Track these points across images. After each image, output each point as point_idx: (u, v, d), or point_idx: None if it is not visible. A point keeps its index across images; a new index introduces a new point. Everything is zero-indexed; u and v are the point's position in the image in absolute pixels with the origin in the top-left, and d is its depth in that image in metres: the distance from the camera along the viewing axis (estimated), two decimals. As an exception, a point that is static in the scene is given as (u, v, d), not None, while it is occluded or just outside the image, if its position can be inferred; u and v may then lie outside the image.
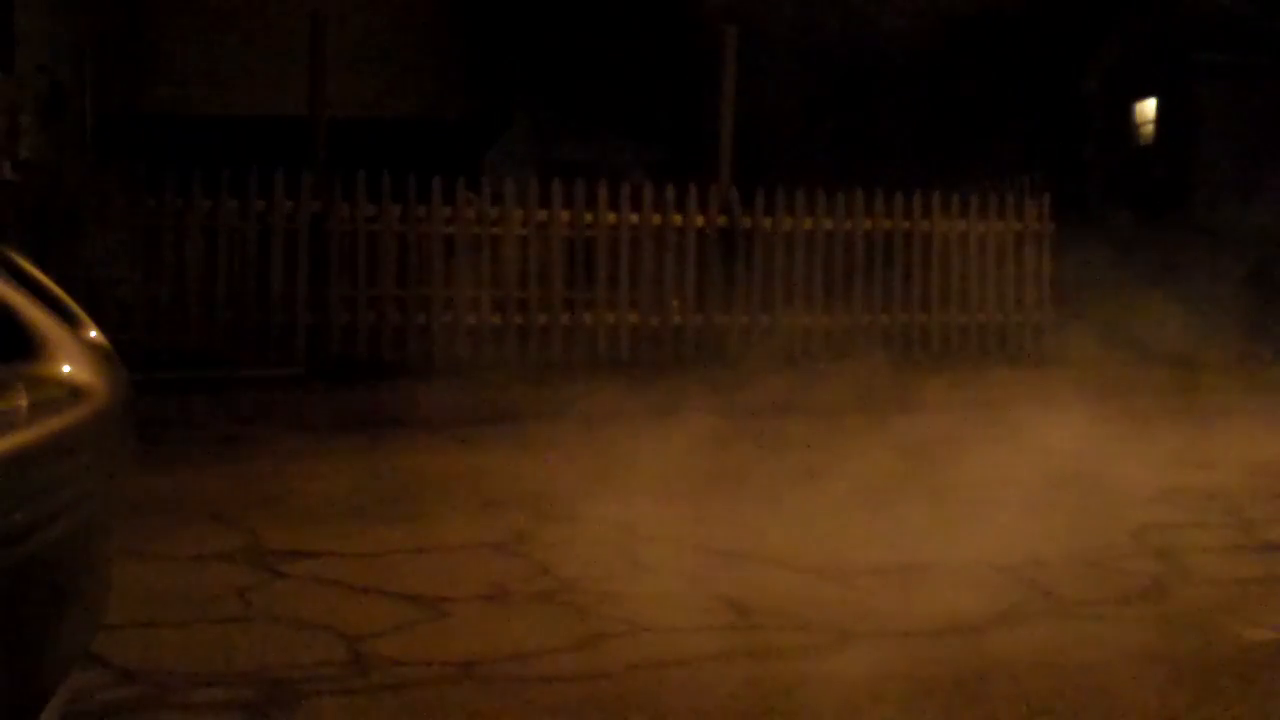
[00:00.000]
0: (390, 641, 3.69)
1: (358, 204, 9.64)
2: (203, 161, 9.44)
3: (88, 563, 2.35)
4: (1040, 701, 3.29)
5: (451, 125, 15.79)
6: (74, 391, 2.32)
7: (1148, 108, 16.14)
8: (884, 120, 17.53)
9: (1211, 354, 10.72)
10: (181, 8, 16.17)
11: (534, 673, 3.46)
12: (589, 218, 10.17)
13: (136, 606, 3.88)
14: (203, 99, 15.72)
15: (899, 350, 10.84)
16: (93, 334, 2.66)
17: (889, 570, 4.59)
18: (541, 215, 10.06)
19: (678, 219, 10.37)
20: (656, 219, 10.32)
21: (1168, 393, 9.65)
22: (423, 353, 9.63)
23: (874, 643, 3.76)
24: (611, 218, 10.21)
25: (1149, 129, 16.13)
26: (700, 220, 10.45)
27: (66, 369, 2.36)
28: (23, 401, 2.06)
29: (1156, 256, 14.85)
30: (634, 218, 10.28)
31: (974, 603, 4.16)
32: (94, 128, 13.80)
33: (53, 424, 2.14)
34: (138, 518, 4.65)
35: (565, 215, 10.11)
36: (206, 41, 15.95)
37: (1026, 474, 6.45)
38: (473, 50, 16.73)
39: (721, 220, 10.52)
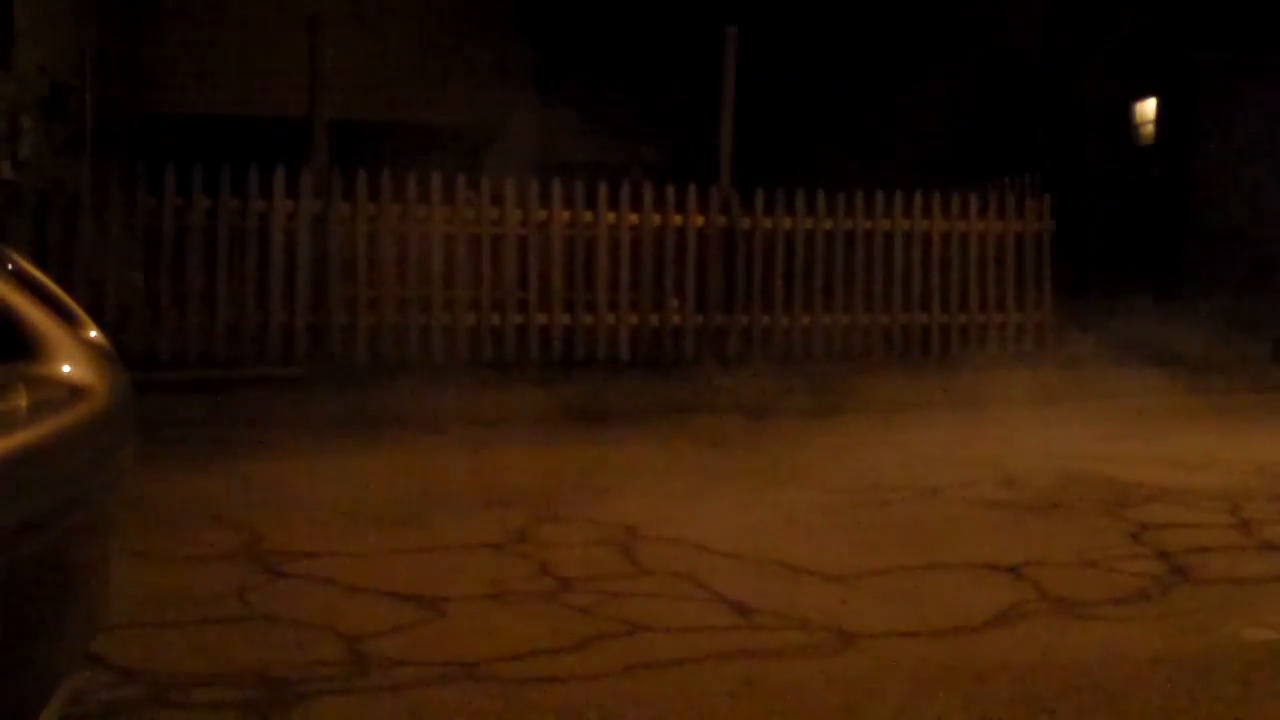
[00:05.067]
0: (390, 641, 3.69)
1: (358, 204, 9.64)
2: (203, 161, 9.44)
3: (88, 563, 2.35)
4: (1040, 702, 3.29)
5: (452, 126, 15.78)
6: (74, 391, 2.32)
7: (1148, 108, 16.13)
8: (884, 120, 17.52)
9: (1211, 354, 10.72)
10: (182, 8, 16.17)
11: (534, 673, 3.46)
12: (589, 218, 10.17)
13: (136, 606, 3.87)
14: (203, 99, 15.72)
15: (899, 350, 10.85)
16: (93, 334, 2.66)
17: (889, 570, 4.59)
18: (541, 215, 10.06)
19: (678, 219, 10.37)
20: (656, 219, 10.32)
21: (1167, 393, 9.65)
22: (423, 352, 9.63)
23: (874, 643, 3.76)
24: (611, 218, 10.22)
25: (1149, 129, 16.12)
26: (700, 220, 10.46)
27: (66, 369, 2.36)
28: (23, 401, 2.06)
29: (1156, 256, 14.85)
30: (634, 218, 10.28)
31: (974, 603, 4.16)
32: (94, 128, 13.79)
33: (53, 424, 2.14)
34: (138, 518, 4.66)
35: (565, 215, 10.11)
36: (206, 42, 15.95)
37: (1025, 474, 6.45)
38: (473, 51, 16.73)
39: (721, 220, 10.52)
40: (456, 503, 5.69)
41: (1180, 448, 7.36)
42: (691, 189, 10.43)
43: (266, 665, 3.46)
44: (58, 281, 2.75)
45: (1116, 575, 4.55)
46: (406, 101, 15.83)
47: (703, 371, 9.94)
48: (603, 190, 10.21)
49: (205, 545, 4.79)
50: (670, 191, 10.36)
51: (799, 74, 17.24)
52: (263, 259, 9.46)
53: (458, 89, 16.33)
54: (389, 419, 7.98)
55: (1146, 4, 15.49)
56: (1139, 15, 15.58)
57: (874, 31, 17.38)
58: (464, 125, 16.13)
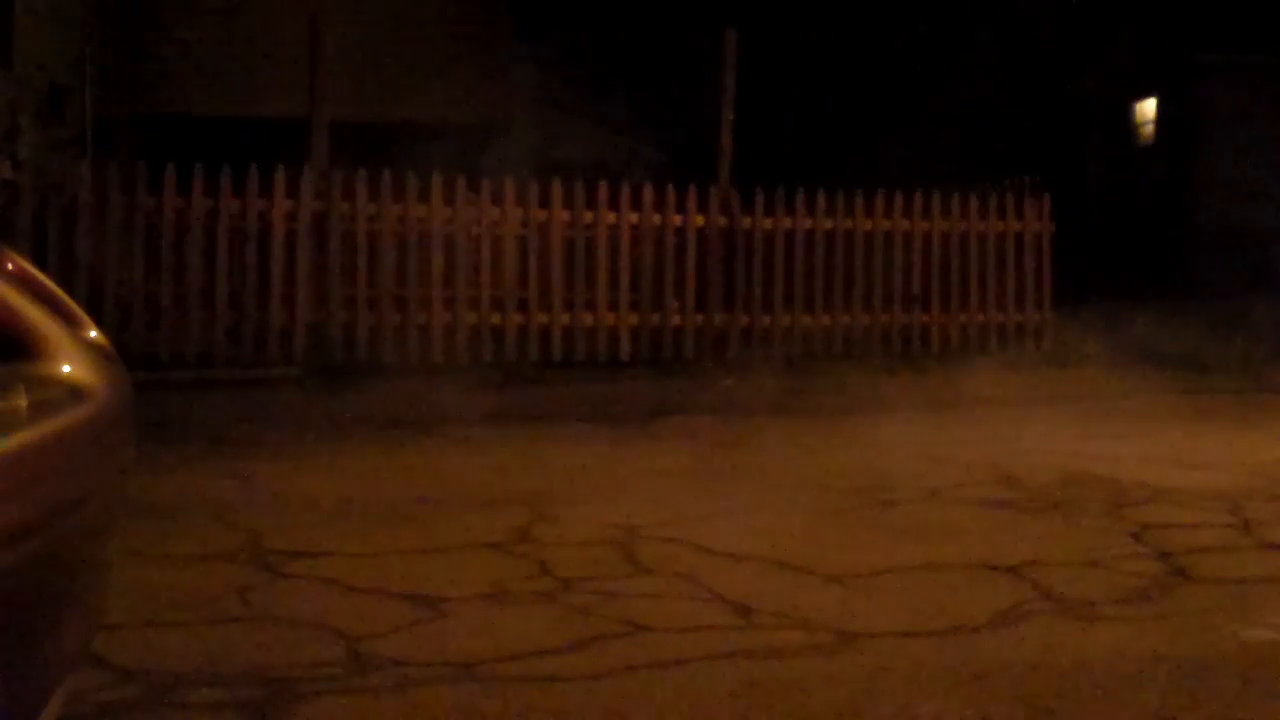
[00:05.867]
0: (390, 641, 3.69)
1: (358, 204, 9.64)
2: (203, 161, 9.44)
3: (88, 563, 2.35)
4: (1040, 701, 3.29)
5: (452, 126, 15.79)
6: (74, 391, 2.32)
7: (1148, 108, 16.14)
8: (884, 121, 17.52)
9: (1211, 354, 10.72)
10: (182, 8, 16.17)
11: (534, 673, 3.46)
12: (589, 218, 10.17)
13: (136, 606, 3.87)
14: (203, 99, 15.73)
15: (899, 350, 10.85)
16: (93, 334, 2.66)
17: (889, 570, 4.59)
18: (541, 215, 10.06)
19: (678, 219, 10.38)
20: (656, 219, 10.32)
21: (1167, 393, 9.65)
22: (423, 352, 9.63)
23: (874, 643, 3.75)
24: (611, 218, 10.22)
25: (1149, 129, 16.13)
26: (700, 220, 10.46)
27: (66, 369, 2.36)
28: (23, 401, 2.06)
29: (1156, 256, 14.86)
30: (634, 218, 10.29)
31: (974, 603, 4.16)
32: (94, 128, 13.80)
33: (53, 424, 2.14)
34: (138, 518, 4.65)
35: (565, 215, 10.12)
36: (206, 42, 15.95)
37: (1025, 474, 6.45)
38: (474, 51, 16.73)
39: (721, 220, 10.52)
40: (456, 502, 5.69)
41: (1180, 448, 7.36)
42: (691, 189, 10.43)
43: (266, 665, 3.46)
44: (58, 281, 2.74)
45: (1116, 575, 4.54)
46: (406, 101, 15.83)
47: (703, 371, 9.94)
48: (603, 190, 10.21)
49: (205, 545, 4.79)
50: (670, 191, 10.36)
51: (800, 74, 17.24)
52: (263, 259, 9.46)
53: (457, 89, 16.33)
54: (389, 418, 7.98)
55: (1147, 4, 15.49)
56: (1139, 16, 15.58)
57: (875, 33, 17.38)
58: (464, 125, 16.14)
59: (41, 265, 2.79)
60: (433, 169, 9.91)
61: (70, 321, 2.55)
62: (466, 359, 9.67)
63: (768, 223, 10.63)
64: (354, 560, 4.62)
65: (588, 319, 10.12)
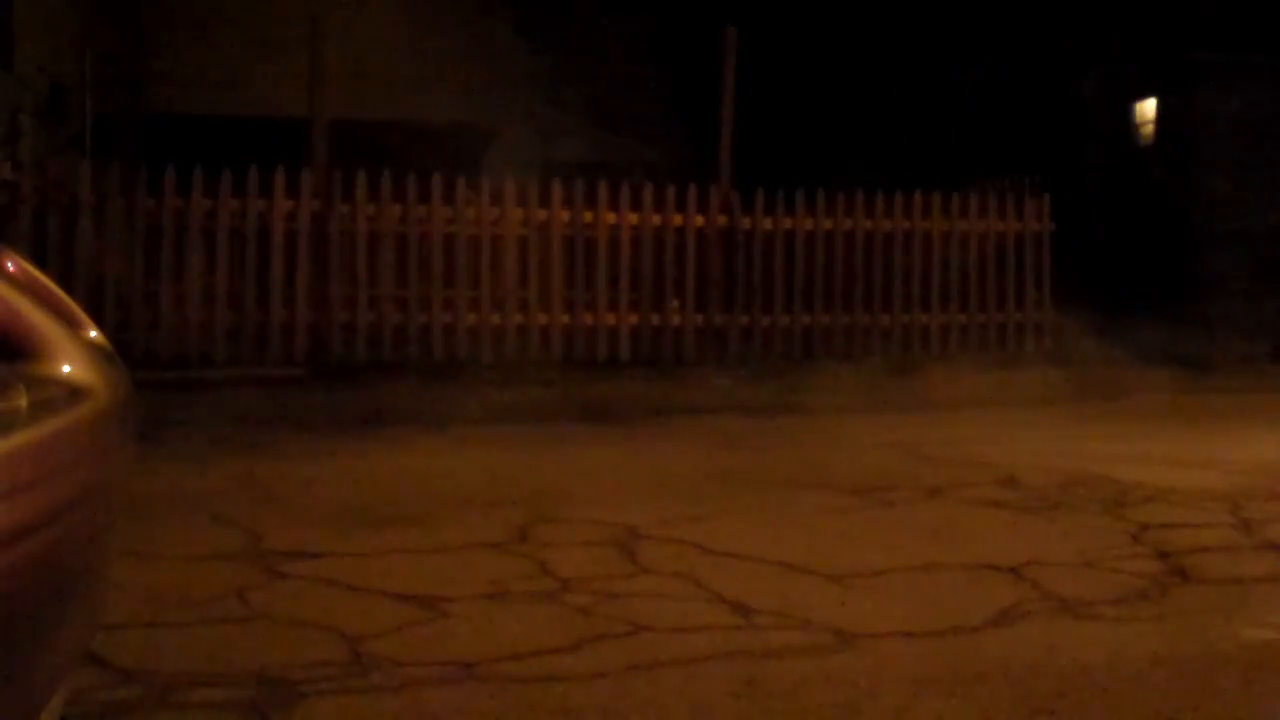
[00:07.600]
0: (390, 641, 3.69)
1: (358, 204, 9.64)
2: (203, 161, 9.44)
3: (88, 563, 2.35)
4: (1040, 702, 3.29)
5: (452, 126, 15.79)
6: (74, 391, 2.32)
7: (1148, 108, 16.13)
8: (884, 120, 17.53)
9: (1211, 354, 10.73)
10: (182, 8, 16.17)
11: (534, 673, 3.46)
12: (589, 218, 10.17)
13: (136, 606, 3.88)
14: (203, 99, 15.72)
15: (899, 350, 10.85)
16: (93, 334, 2.66)
17: (889, 570, 4.59)
18: (541, 215, 10.07)
19: (678, 219, 10.38)
20: (656, 219, 10.33)
21: (1167, 393, 9.65)
22: (423, 352, 9.63)
23: (874, 643, 3.75)
24: (611, 218, 10.22)
25: (1149, 129, 16.12)
26: (700, 220, 10.46)
27: (66, 369, 2.36)
28: (23, 401, 2.06)
29: (1156, 257, 14.86)
30: (634, 218, 10.29)
31: (974, 603, 4.16)
32: (94, 128, 13.79)
33: (53, 424, 2.14)
34: (138, 518, 4.65)
35: (565, 215, 10.12)
36: (206, 41, 15.95)
37: (1025, 474, 6.45)
38: (474, 51, 16.73)
39: (721, 220, 10.52)
40: (456, 502, 5.69)
41: (1180, 448, 7.36)
42: (691, 189, 10.43)
43: (266, 665, 3.45)
44: (58, 281, 2.75)
45: (1116, 575, 4.54)
46: (406, 101, 15.83)
47: (703, 371, 9.95)
48: (603, 190, 10.21)
49: (205, 545, 4.79)
50: (670, 191, 10.36)
51: (800, 74, 17.25)
52: (263, 259, 9.46)
53: (458, 89, 16.33)
54: (389, 418, 7.98)
55: (1146, 4, 15.49)
56: (1139, 16, 15.58)
57: (874, 33, 17.38)
58: (464, 125, 16.14)
59: (41, 265, 2.78)
60: (433, 169, 9.91)
61: (70, 321, 2.55)
62: (466, 359, 9.68)
63: (768, 223, 10.63)
64: (354, 560, 4.62)
65: (588, 319, 10.12)
